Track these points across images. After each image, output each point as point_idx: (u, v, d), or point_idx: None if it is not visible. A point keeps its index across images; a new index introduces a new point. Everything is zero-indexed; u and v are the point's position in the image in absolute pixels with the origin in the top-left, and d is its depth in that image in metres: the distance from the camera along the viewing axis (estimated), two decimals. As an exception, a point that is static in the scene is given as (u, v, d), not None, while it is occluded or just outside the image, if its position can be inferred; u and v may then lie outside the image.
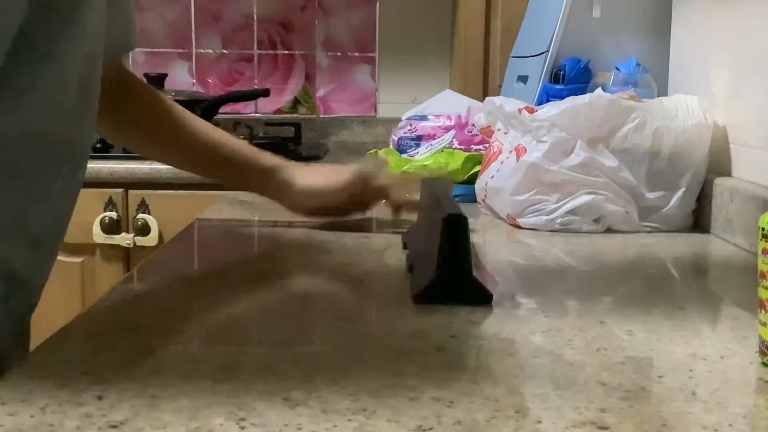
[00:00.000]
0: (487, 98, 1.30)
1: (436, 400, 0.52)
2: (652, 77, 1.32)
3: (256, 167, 1.02)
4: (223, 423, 0.48)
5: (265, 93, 2.39)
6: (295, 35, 2.57)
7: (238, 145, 1.04)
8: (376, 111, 2.60)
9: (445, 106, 1.71)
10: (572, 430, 0.48)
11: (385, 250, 1.01)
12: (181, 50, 2.57)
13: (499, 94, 1.65)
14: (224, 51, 2.57)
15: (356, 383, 0.56)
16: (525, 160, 1.12)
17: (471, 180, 1.35)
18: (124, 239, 1.95)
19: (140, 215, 1.96)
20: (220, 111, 2.32)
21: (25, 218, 0.73)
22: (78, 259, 1.95)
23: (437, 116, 1.66)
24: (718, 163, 1.14)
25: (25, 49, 0.67)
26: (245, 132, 2.36)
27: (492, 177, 1.18)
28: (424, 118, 1.70)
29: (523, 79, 1.55)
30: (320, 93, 2.59)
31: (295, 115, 2.59)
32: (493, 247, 1.06)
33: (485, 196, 1.21)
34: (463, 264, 0.74)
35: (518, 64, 1.63)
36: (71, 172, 0.78)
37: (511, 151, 1.16)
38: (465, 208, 0.82)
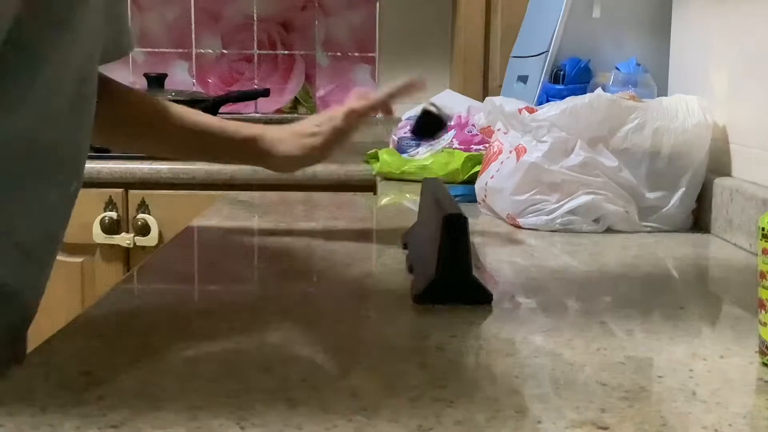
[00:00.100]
0: (487, 98, 1.30)
1: (436, 400, 0.52)
2: (652, 77, 1.32)
3: (236, 142, 1.03)
4: (223, 423, 0.48)
5: (265, 93, 2.39)
6: (295, 35, 2.57)
7: (215, 122, 1.04)
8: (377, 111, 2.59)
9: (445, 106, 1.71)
10: (572, 430, 0.48)
11: (385, 250, 1.01)
12: (181, 50, 2.57)
13: (499, 94, 1.65)
14: (224, 51, 2.57)
15: (356, 383, 0.56)
16: (525, 160, 1.12)
17: (471, 180, 1.35)
18: (124, 239, 1.95)
19: (140, 215, 1.96)
20: (220, 111, 2.32)
21: (18, 229, 0.71)
22: (78, 259, 1.95)
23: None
24: (718, 163, 1.14)
25: (18, 52, 0.65)
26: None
27: (492, 177, 1.18)
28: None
29: (523, 79, 1.55)
30: (320, 93, 2.59)
31: (295, 115, 2.59)
32: (493, 247, 1.06)
33: (485, 196, 1.21)
34: (463, 264, 0.74)
35: (518, 64, 1.63)
36: (67, 181, 0.76)
37: (511, 151, 1.16)
38: (465, 208, 0.82)
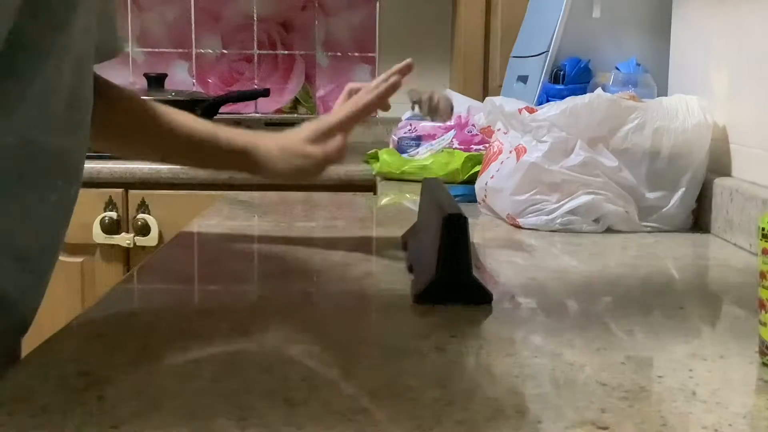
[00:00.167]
0: (487, 98, 1.30)
1: (436, 400, 0.52)
2: (652, 77, 1.32)
3: (228, 152, 1.00)
4: (223, 423, 0.48)
5: (265, 93, 2.39)
6: (295, 35, 2.57)
7: (208, 129, 1.01)
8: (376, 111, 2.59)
9: (445, 106, 1.71)
10: (572, 430, 0.48)
11: (385, 250, 1.01)
12: (181, 50, 2.57)
13: (499, 94, 1.65)
14: (224, 51, 2.57)
15: (356, 383, 0.56)
16: (525, 160, 1.12)
17: (471, 180, 1.35)
18: (124, 239, 1.95)
19: (140, 215, 1.96)
20: (220, 111, 2.32)
21: (16, 236, 0.69)
22: (78, 259, 1.95)
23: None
24: (718, 163, 1.14)
25: (19, 52, 0.64)
26: (245, 132, 2.36)
27: (492, 177, 1.18)
28: (424, 118, 1.70)
29: (523, 79, 1.55)
30: (320, 93, 2.59)
31: (295, 115, 2.59)
32: (493, 247, 1.06)
33: (485, 196, 1.21)
34: (463, 264, 0.74)
35: (518, 64, 1.63)
36: (65, 186, 0.74)
37: (511, 151, 1.16)
38: (465, 208, 0.82)
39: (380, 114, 2.70)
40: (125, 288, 0.86)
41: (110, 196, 1.96)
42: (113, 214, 1.95)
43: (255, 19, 2.56)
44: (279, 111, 2.59)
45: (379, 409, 0.51)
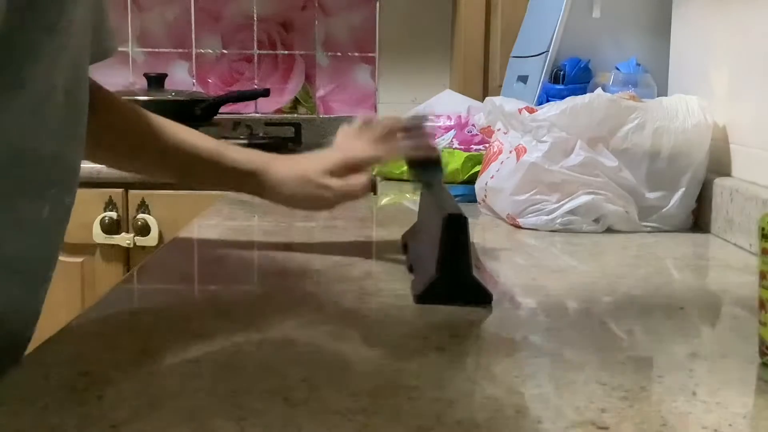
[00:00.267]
0: (487, 98, 1.30)
1: (436, 400, 0.52)
2: (652, 77, 1.32)
3: (234, 173, 0.95)
4: (223, 423, 0.48)
5: (265, 93, 2.39)
6: (295, 35, 2.57)
7: (214, 147, 0.96)
8: (376, 111, 2.60)
9: (445, 106, 1.71)
10: (572, 430, 0.48)
11: (385, 250, 1.01)
12: (181, 50, 2.57)
13: (499, 94, 1.65)
14: (224, 51, 2.57)
15: (356, 383, 0.56)
16: (525, 160, 1.12)
17: (471, 180, 1.35)
18: (124, 239, 1.95)
19: (140, 215, 1.96)
20: (220, 111, 2.32)
21: (7, 246, 0.66)
22: (78, 259, 1.95)
23: (437, 116, 1.66)
24: (718, 163, 1.14)
25: (8, 53, 0.61)
26: (245, 132, 2.36)
27: (492, 177, 1.18)
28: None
29: (523, 79, 1.55)
30: (320, 93, 2.59)
31: (295, 115, 2.59)
32: (493, 247, 1.06)
33: (485, 196, 1.21)
34: (463, 264, 0.74)
35: (518, 64, 1.63)
36: (59, 195, 0.71)
37: (511, 151, 1.16)
38: (465, 208, 0.82)
39: (380, 114, 2.69)
40: (125, 288, 0.86)
41: (110, 196, 1.96)
42: (113, 214, 1.95)
43: (255, 19, 2.56)
44: (279, 111, 2.59)
45: (379, 409, 0.51)
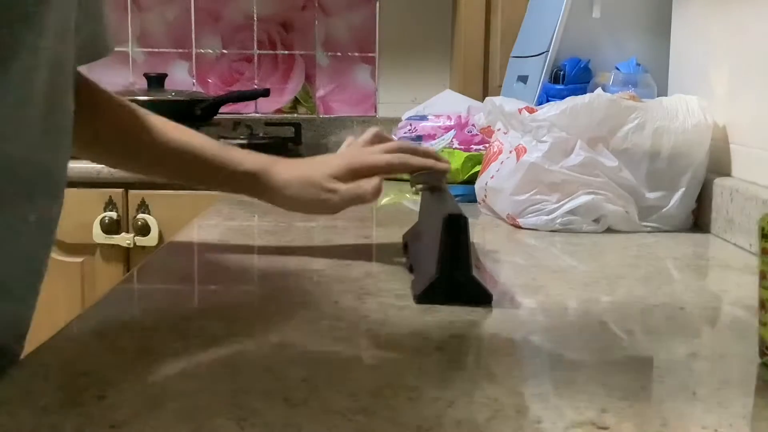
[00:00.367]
0: (487, 98, 1.30)
1: (436, 400, 0.52)
2: (652, 77, 1.32)
3: (235, 174, 0.94)
4: (223, 423, 0.48)
5: (265, 93, 2.39)
6: (295, 35, 2.57)
7: (214, 148, 0.95)
8: (376, 111, 2.60)
9: (445, 106, 1.71)
10: (572, 430, 0.48)
11: (385, 250, 1.01)
12: (181, 50, 2.57)
13: (499, 94, 1.65)
14: (224, 51, 2.57)
15: (356, 383, 0.56)
16: (525, 160, 1.12)
17: (471, 180, 1.35)
18: (124, 239, 1.95)
19: (140, 215, 1.96)
20: (220, 111, 2.32)
21: None
22: (78, 259, 1.95)
23: (437, 116, 1.66)
24: (718, 163, 1.14)
25: None
26: (245, 132, 2.36)
27: (492, 177, 1.18)
28: (424, 118, 1.70)
29: (523, 79, 1.55)
30: (320, 93, 2.59)
31: (295, 115, 2.59)
32: (493, 247, 1.06)
33: (485, 196, 1.21)
34: (463, 264, 0.74)
35: (518, 64, 1.63)
36: (47, 204, 0.68)
37: (511, 151, 1.16)
38: (465, 208, 0.82)
39: (380, 114, 2.70)
40: (125, 288, 0.86)
41: (110, 196, 1.96)
42: (113, 214, 1.95)
43: (255, 19, 2.56)
44: (279, 111, 2.59)
45: (379, 409, 0.51)
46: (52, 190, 0.69)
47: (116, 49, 2.63)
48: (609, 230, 1.11)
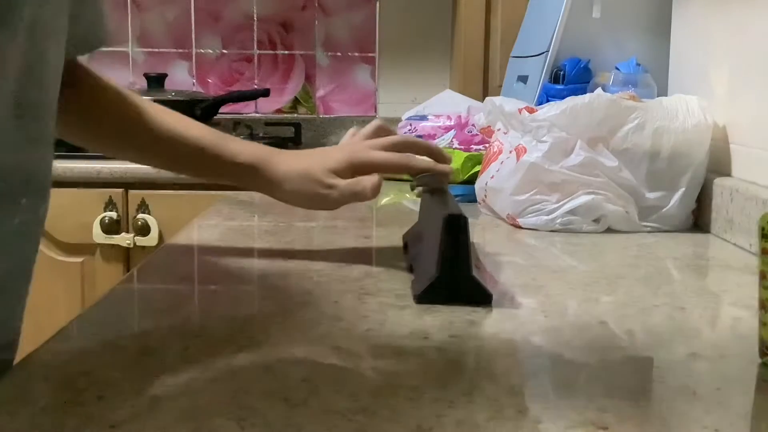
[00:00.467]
0: (487, 98, 1.30)
1: (436, 400, 0.52)
2: (652, 77, 1.32)
3: (233, 165, 0.92)
4: (223, 423, 0.48)
5: (265, 93, 2.39)
6: (295, 35, 2.57)
7: (212, 137, 0.92)
8: (376, 111, 2.60)
9: (445, 106, 1.71)
10: (572, 430, 0.48)
11: (385, 250, 1.01)
12: (181, 50, 2.57)
13: (499, 94, 1.65)
14: (224, 51, 2.57)
15: (356, 383, 0.56)
16: (525, 160, 1.12)
17: (471, 180, 1.35)
18: (124, 239, 1.95)
19: (140, 215, 1.96)
20: (220, 111, 2.32)
21: None
22: (78, 259, 1.95)
23: (437, 116, 1.66)
24: (718, 163, 1.14)
25: None
26: (245, 132, 2.36)
27: (492, 177, 1.18)
28: (424, 118, 1.70)
29: (523, 79, 1.55)
30: (320, 93, 2.59)
31: (295, 115, 2.59)
32: (493, 247, 1.06)
33: (485, 196, 1.21)
34: (463, 264, 0.74)
35: (518, 64, 1.63)
36: (32, 206, 0.67)
37: (511, 151, 1.16)
38: (465, 208, 0.82)
39: (380, 114, 2.69)
40: (125, 288, 0.86)
41: (110, 196, 1.96)
42: (113, 214, 1.95)
43: (255, 19, 2.56)
44: (279, 111, 2.59)
45: (379, 409, 0.51)
46: (36, 191, 0.68)
47: (116, 49, 2.63)
48: (609, 230, 1.11)
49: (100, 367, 0.58)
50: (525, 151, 1.12)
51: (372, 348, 0.64)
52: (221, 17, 2.56)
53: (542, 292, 0.83)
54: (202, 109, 2.22)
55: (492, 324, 0.71)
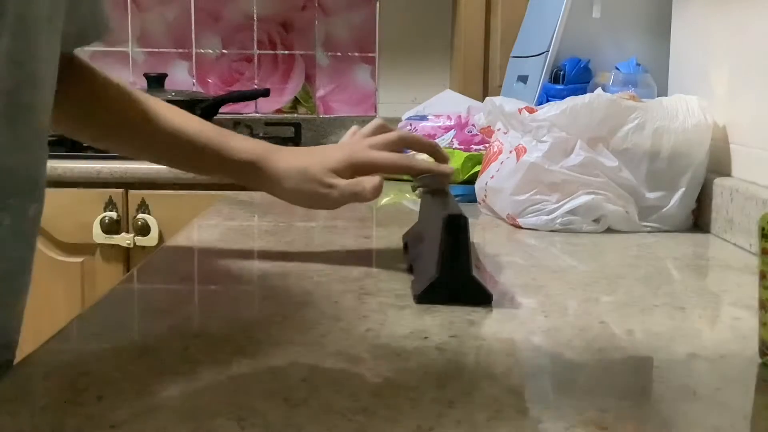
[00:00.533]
0: (487, 98, 1.30)
1: (436, 400, 0.52)
2: (652, 77, 1.32)
3: (231, 161, 0.91)
4: (223, 423, 0.48)
5: (265, 93, 2.40)
6: (295, 35, 2.57)
7: (211, 132, 0.92)
8: (376, 111, 2.60)
9: (445, 106, 1.71)
10: (572, 430, 0.48)
11: (385, 250, 1.01)
12: (181, 50, 2.57)
13: (499, 94, 1.66)
14: (224, 51, 2.57)
15: (356, 383, 0.56)
16: (525, 160, 1.12)
17: (471, 180, 1.35)
18: (124, 239, 1.95)
19: (140, 215, 1.96)
20: (220, 111, 2.32)
21: None
22: (78, 259, 1.95)
23: (437, 116, 1.66)
24: (718, 163, 1.14)
25: None
26: (245, 132, 2.36)
27: (492, 177, 1.18)
28: (424, 118, 1.70)
29: (523, 79, 1.55)
30: (320, 93, 2.59)
31: (295, 115, 2.59)
32: (493, 247, 1.06)
33: (485, 196, 1.21)
34: (463, 264, 0.74)
35: (518, 64, 1.63)
36: (21, 206, 0.65)
37: (511, 151, 1.16)
38: (465, 208, 0.82)
39: (380, 114, 2.69)
40: (125, 288, 0.86)
41: (110, 196, 1.96)
42: (113, 214, 1.95)
43: (255, 19, 2.56)
44: (279, 111, 2.59)
45: (379, 409, 0.51)
46: (27, 190, 0.67)
47: (116, 49, 2.63)
48: (609, 230, 1.11)
49: (100, 367, 0.58)
50: (525, 151, 1.12)
51: (372, 348, 0.64)
52: (221, 17, 2.56)
53: (542, 292, 0.83)
54: (202, 109, 2.22)
55: (492, 324, 0.71)
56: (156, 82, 2.30)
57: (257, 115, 2.57)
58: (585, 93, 1.16)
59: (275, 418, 0.49)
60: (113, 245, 1.95)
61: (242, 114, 2.55)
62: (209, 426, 0.48)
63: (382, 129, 0.94)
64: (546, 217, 1.11)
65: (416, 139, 0.96)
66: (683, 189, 1.12)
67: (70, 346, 0.64)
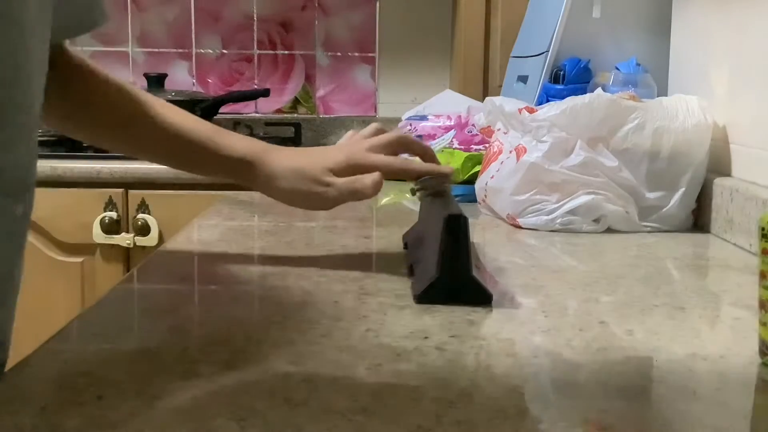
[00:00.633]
0: (487, 98, 1.30)
1: (436, 400, 0.52)
2: (652, 77, 1.32)
3: (227, 160, 0.90)
4: (222, 423, 0.48)
5: (265, 93, 2.39)
6: (295, 35, 2.57)
7: (207, 130, 0.91)
8: (376, 111, 2.60)
9: (445, 106, 1.71)
10: (572, 430, 0.48)
11: (385, 250, 1.01)
12: (181, 50, 2.57)
13: (499, 94, 1.65)
14: (224, 51, 2.57)
15: (356, 383, 0.55)
16: (525, 160, 1.12)
17: (471, 180, 1.35)
18: (124, 239, 1.95)
19: (140, 215, 1.96)
20: (220, 111, 2.32)
21: None
22: (78, 259, 1.95)
23: (437, 116, 1.66)
24: (718, 163, 1.14)
25: None
26: (245, 132, 2.36)
27: (492, 177, 1.18)
28: (424, 118, 1.70)
29: (523, 79, 1.55)
30: (320, 93, 2.59)
31: (295, 115, 2.59)
32: (493, 247, 1.06)
33: (485, 196, 1.21)
34: (463, 264, 0.74)
35: (518, 64, 1.63)
36: (7, 205, 0.64)
37: (511, 151, 1.16)
38: (465, 208, 0.82)
39: (380, 114, 2.69)
40: (125, 288, 0.86)
41: (110, 196, 1.96)
42: (113, 214, 1.95)
43: (255, 19, 2.56)
44: (279, 111, 2.59)
45: (379, 409, 0.51)
46: (13, 190, 0.65)
47: (116, 49, 2.63)
48: (609, 230, 1.11)
49: (100, 367, 0.58)
50: (525, 151, 1.12)
51: (372, 348, 0.64)
52: (221, 17, 2.56)
53: (542, 292, 0.83)
54: (202, 109, 2.22)
55: (492, 324, 0.71)
56: (156, 82, 2.30)
57: (257, 115, 2.57)
58: (585, 93, 1.16)
59: (275, 418, 0.49)
60: (113, 245, 1.95)
61: (242, 114, 2.55)
62: (209, 426, 0.48)
63: (379, 133, 0.94)
64: (546, 217, 1.11)
65: (412, 141, 0.95)
66: (683, 189, 1.12)
67: (69, 346, 0.64)
